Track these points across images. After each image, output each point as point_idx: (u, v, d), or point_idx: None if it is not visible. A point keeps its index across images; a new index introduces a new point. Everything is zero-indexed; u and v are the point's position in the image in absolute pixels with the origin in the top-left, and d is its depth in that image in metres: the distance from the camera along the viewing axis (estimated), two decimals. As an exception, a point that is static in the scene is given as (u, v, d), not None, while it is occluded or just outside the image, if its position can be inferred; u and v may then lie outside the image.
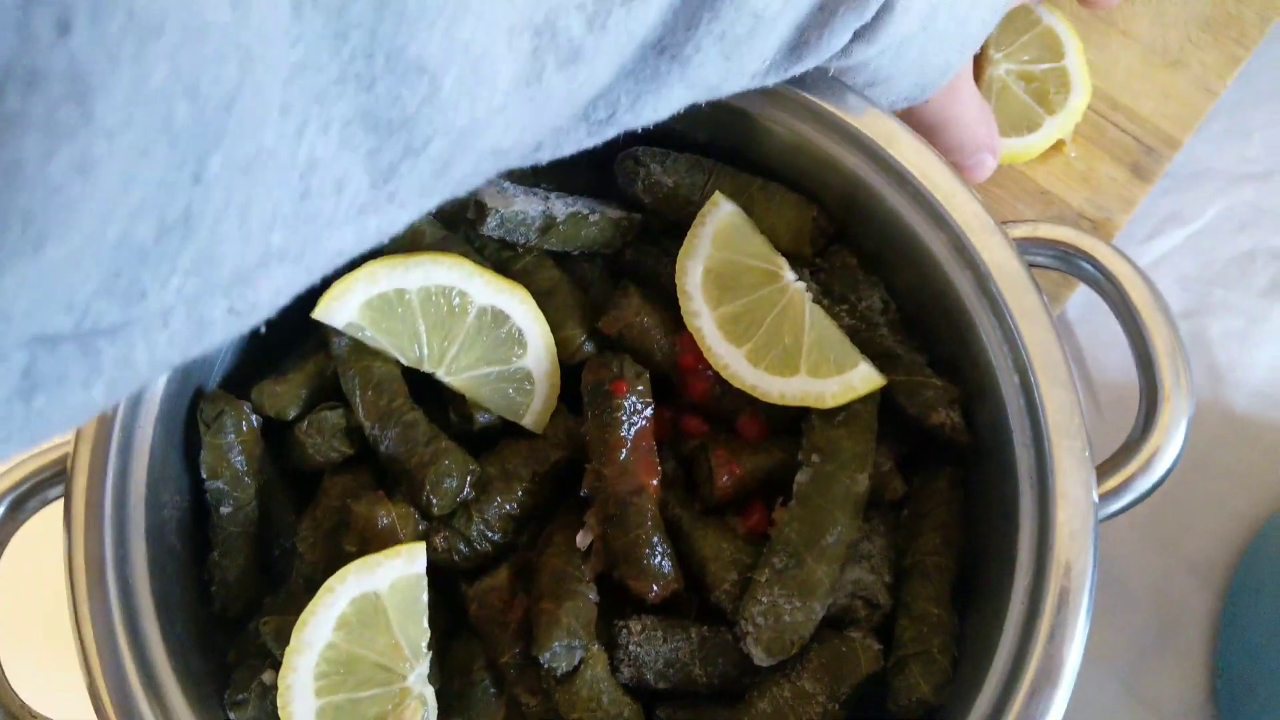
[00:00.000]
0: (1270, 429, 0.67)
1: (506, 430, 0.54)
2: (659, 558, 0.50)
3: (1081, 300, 0.69)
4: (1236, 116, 0.74)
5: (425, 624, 0.47)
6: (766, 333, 0.51)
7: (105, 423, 0.46)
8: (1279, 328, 0.69)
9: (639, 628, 0.49)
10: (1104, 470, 0.48)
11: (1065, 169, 0.69)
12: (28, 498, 0.47)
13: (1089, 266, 0.50)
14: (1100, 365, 0.69)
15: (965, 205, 0.49)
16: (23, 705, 0.45)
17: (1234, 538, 0.65)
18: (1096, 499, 0.45)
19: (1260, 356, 0.69)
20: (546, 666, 0.47)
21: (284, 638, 0.46)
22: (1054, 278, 0.67)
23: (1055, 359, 0.47)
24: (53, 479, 0.47)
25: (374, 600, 0.46)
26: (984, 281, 0.49)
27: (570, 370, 0.54)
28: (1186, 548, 0.65)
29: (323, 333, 0.53)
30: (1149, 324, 0.49)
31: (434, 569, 0.49)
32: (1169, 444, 0.48)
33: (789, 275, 0.52)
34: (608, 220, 0.55)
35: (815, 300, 0.52)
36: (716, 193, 0.53)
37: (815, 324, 0.51)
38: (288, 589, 0.51)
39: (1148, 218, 0.71)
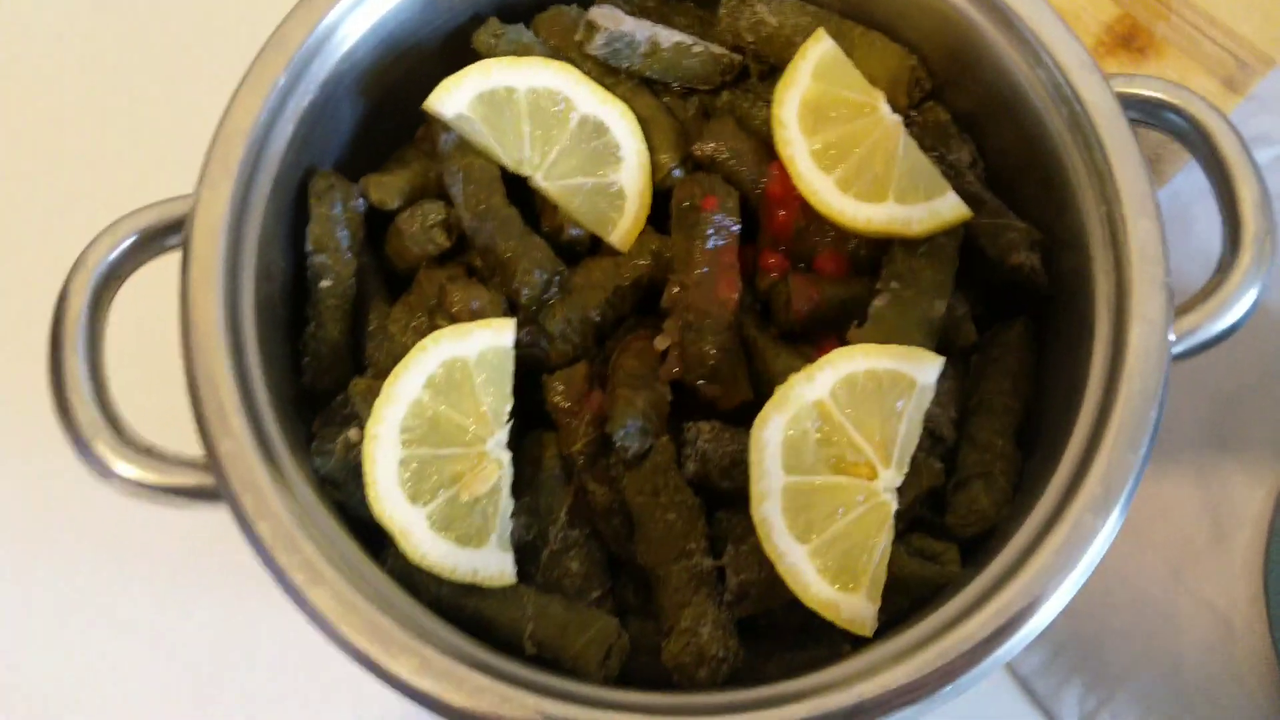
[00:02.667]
0: (1343, 347, 0.67)
1: (593, 251, 0.56)
2: (733, 367, 0.52)
3: (1164, 206, 0.70)
4: (1333, 49, 0.74)
5: (509, 392, 0.49)
6: (858, 161, 0.53)
7: (225, 176, 0.49)
8: (1360, 253, 0.69)
9: (709, 428, 0.51)
10: (1182, 310, 0.49)
11: (1159, 75, 0.69)
12: (153, 238, 0.49)
13: (1180, 120, 0.51)
14: (1179, 272, 0.70)
15: (1067, 45, 0.50)
16: (126, 425, 0.47)
17: (1295, 445, 0.65)
18: (1171, 325, 0.46)
19: (1338, 278, 0.69)
20: (618, 445, 0.49)
21: (372, 396, 0.48)
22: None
23: (1144, 190, 0.48)
24: (175, 227, 0.49)
25: (463, 365, 0.48)
26: (1078, 119, 0.50)
27: (660, 195, 0.56)
28: (1247, 453, 0.65)
29: (430, 135, 0.56)
30: (1236, 173, 0.49)
31: (517, 363, 0.51)
32: (1247, 288, 0.48)
33: (884, 108, 0.54)
34: (710, 54, 0.57)
35: (909, 134, 0.54)
36: (819, 29, 0.55)
37: (908, 155, 0.53)
38: (376, 369, 0.54)
39: (1236, 134, 0.72)
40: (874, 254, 0.54)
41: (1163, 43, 0.71)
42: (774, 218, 0.56)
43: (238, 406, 0.46)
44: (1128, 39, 0.71)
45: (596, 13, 0.56)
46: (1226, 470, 0.65)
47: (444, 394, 0.48)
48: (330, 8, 0.50)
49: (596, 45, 0.55)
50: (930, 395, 0.47)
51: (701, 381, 0.52)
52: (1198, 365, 0.66)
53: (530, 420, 0.54)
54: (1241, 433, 0.65)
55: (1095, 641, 0.61)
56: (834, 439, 0.47)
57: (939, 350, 0.53)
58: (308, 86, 0.51)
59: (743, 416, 0.52)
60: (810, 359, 0.53)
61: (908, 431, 0.47)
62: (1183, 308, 0.49)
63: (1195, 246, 0.67)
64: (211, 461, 0.45)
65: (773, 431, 0.47)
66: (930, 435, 0.52)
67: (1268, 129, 0.72)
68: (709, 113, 0.59)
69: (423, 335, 0.52)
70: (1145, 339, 0.46)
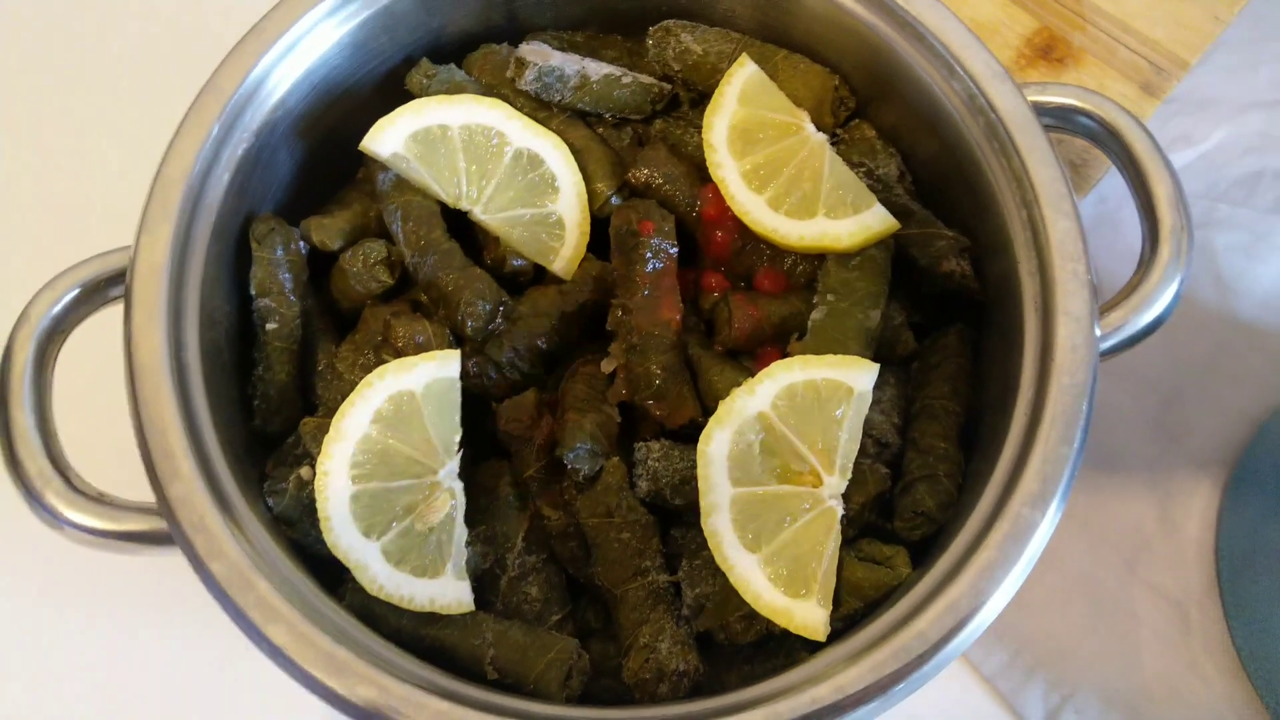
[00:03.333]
0: (1272, 336, 0.69)
1: (536, 280, 0.57)
2: (678, 385, 0.53)
3: (1091, 212, 0.72)
4: (1245, 50, 0.77)
5: (457, 422, 0.49)
6: (787, 180, 0.54)
7: (164, 225, 0.49)
8: (1284, 244, 0.72)
9: (658, 447, 0.51)
10: (1106, 309, 0.50)
11: (1077, 84, 0.72)
12: (95, 290, 0.50)
13: (1093, 124, 0.53)
14: (1110, 275, 0.72)
15: (977, 56, 0.52)
16: (76, 475, 0.47)
17: (1236, 435, 0.67)
18: (1097, 320, 0.48)
19: (1265, 269, 0.71)
20: (569, 468, 0.50)
21: (322, 434, 0.49)
22: (1065, 178, 0.69)
23: (1060, 192, 0.49)
24: (117, 278, 0.50)
25: (410, 398, 0.49)
26: (993, 127, 0.51)
27: (598, 223, 0.57)
28: (1191, 443, 0.67)
29: (368, 178, 0.57)
30: (1150, 171, 0.51)
31: (466, 395, 0.51)
32: (1168, 283, 0.50)
33: (810, 127, 0.55)
34: (639, 84, 0.59)
35: (834, 151, 0.55)
36: (743, 54, 0.57)
37: (834, 171, 0.54)
38: (325, 408, 0.54)
39: (1158, 137, 0.74)
40: (810, 269, 0.56)
41: (1080, 52, 0.73)
42: (712, 239, 0.57)
43: (186, 450, 0.46)
44: (1046, 50, 0.73)
45: (525, 49, 0.57)
46: (1174, 463, 0.66)
47: (393, 427, 0.49)
48: (260, 57, 0.51)
49: (527, 81, 0.57)
50: (868, 401, 0.48)
51: (649, 401, 0.53)
52: (1141, 362, 0.69)
53: (484, 449, 0.54)
54: (1186, 425, 0.67)
55: (1055, 638, 0.62)
56: (778, 449, 0.48)
57: (880, 359, 0.55)
58: (242, 135, 0.52)
59: (691, 434, 0.53)
60: (752, 373, 0.54)
61: (849, 438, 0.48)
62: (1108, 304, 0.51)
63: (1124, 248, 0.68)
64: (162, 505, 0.45)
65: (718, 445, 0.48)
66: (876, 442, 0.53)
67: (1188, 129, 0.75)
68: (643, 141, 0.60)
69: (368, 373, 0.52)
70: (1072, 335, 0.47)
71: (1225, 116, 0.75)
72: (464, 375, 0.52)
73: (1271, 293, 0.71)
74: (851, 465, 0.48)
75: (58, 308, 0.49)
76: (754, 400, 0.48)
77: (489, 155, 0.55)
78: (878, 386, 0.54)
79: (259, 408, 0.54)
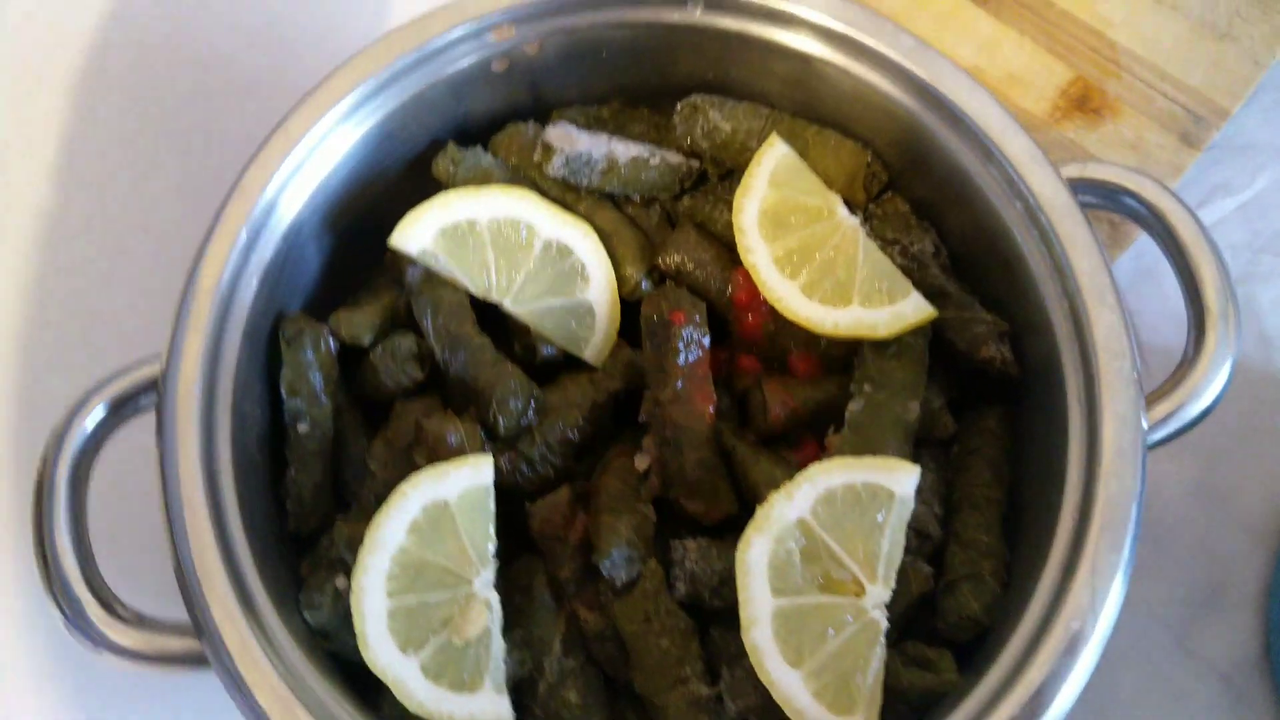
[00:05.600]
0: (1321, 392, 0.68)
1: (567, 365, 0.56)
2: (714, 480, 0.52)
3: (1131, 267, 0.70)
4: (1285, 91, 0.75)
5: (492, 531, 0.49)
6: (820, 267, 0.53)
7: (196, 335, 0.49)
8: (1330, 295, 0.70)
9: (695, 546, 0.51)
10: (1154, 399, 0.49)
11: (1115, 136, 0.70)
12: (124, 402, 0.49)
13: (1135, 203, 0.52)
14: (1151, 330, 0.70)
15: (1015, 140, 0.51)
16: (114, 597, 0.47)
17: (1284, 497, 0.65)
18: (1144, 417, 0.46)
19: (1311, 323, 0.69)
20: (606, 575, 0.49)
21: (356, 543, 0.48)
22: (1102, 238, 0.68)
23: (1104, 284, 0.48)
24: (148, 387, 0.50)
25: (443, 507, 0.49)
26: (1033, 213, 0.50)
27: (629, 307, 0.56)
28: (1237, 508, 0.65)
29: (397, 267, 0.56)
30: (1195, 255, 0.50)
31: (499, 491, 0.51)
32: (1217, 371, 0.49)
33: (842, 212, 0.54)
34: (667, 165, 0.58)
35: (868, 236, 0.54)
36: (773, 134, 0.56)
37: (868, 257, 0.53)
38: (359, 506, 0.54)
39: (1197, 187, 0.72)
40: (846, 352, 0.55)
41: (1116, 102, 0.71)
42: (743, 323, 0.56)
43: (222, 573, 0.46)
44: (1082, 101, 0.71)
45: (552, 134, 0.56)
46: (1220, 528, 0.65)
47: (427, 538, 0.48)
48: (285, 159, 0.51)
49: (555, 167, 0.56)
50: (910, 507, 0.47)
51: (684, 499, 0.52)
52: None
53: (517, 544, 0.54)
54: (1232, 488, 0.65)
55: (1102, 713, 0.61)
56: (819, 557, 0.47)
57: (919, 442, 0.54)
58: (270, 238, 0.51)
59: (728, 529, 0.53)
60: (790, 463, 0.54)
61: (891, 545, 0.47)
62: (1155, 394, 0.49)
63: (1166, 305, 0.67)
64: (199, 631, 0.45)
65: (757, 554, 0.47)
66: (917, 534, 0.52)
67: (1227, 177, 0.73)
68: (672, 218, 0.59)
69: (402, 471, 0.52)
70: (1118, 436, 0.46)
71: (1266, 162, 0.73)
72: (497, 471, 0.51)
73: (1318, 347, 0.69)
74: (895, 574, 0.47)
75: (89, 425, 0.48)
76: (792, 506, 0.47)
77: (518, 247, 0.54)
78: (917, 473, 0.53)
79: (293, 509, 0.53)
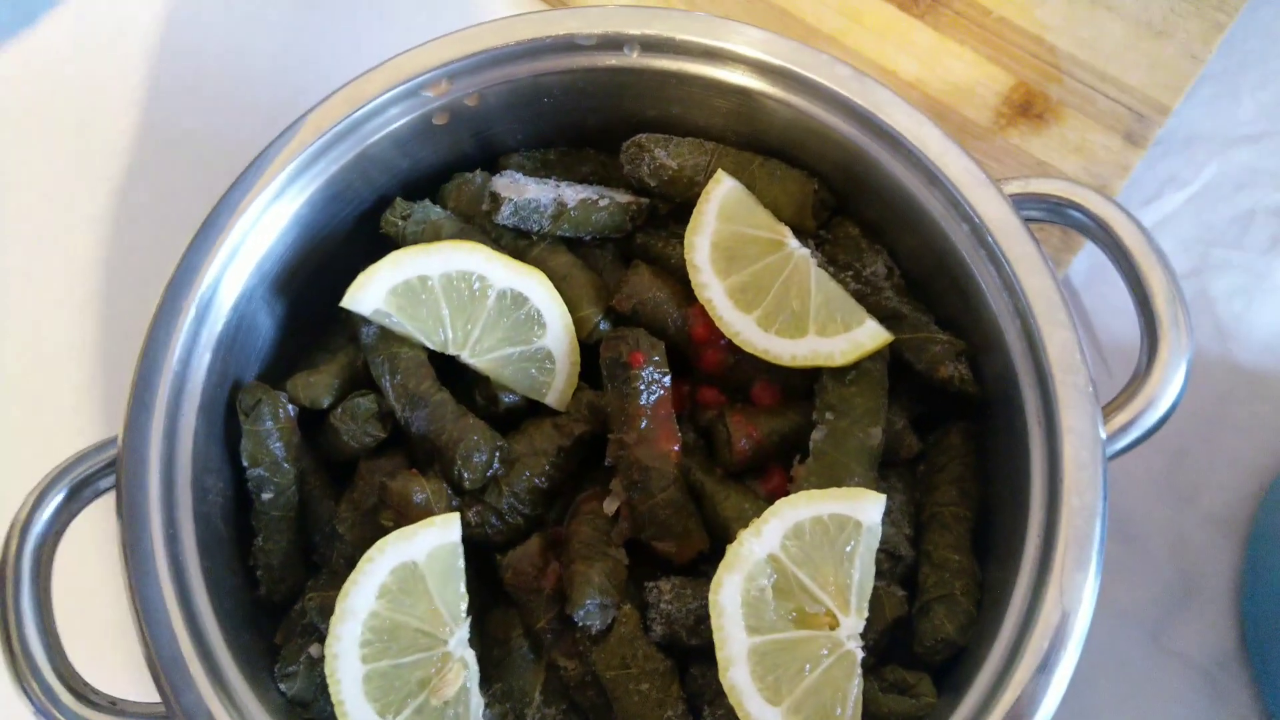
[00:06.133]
0: (1275, 381, 0.68)
1: (531, 411, 0.56)
2: (683, 519, 0.52)
3: (1085, 266, 0.71)
4: (1225, 82, 0.76)
5: (463, 589, 0.49)
6: (774, 298, 0.53)
7: (149, 413, 0.48)
8: (1281, 283, 0.71)
9: (669, 587, 0.51)
10: (1111, 410, 0.50)
11: (1060, 140, 0.71)
12: (82, 487, 0.49)
13: (1081, 216, 0.52)
14: (1108, 329, 0.71)
15: (957, 162, 0.51)
16: (85, 684, 0.47)
17: (1249, 489, 0.66)
18: (1103, 431, 0.47)
19: (1264, 313, 0.70)
20: (581, 625, 0.49)
21: (328, 611, 0.48)
22: (1055, 243, 0.68)
23: (1054, 301, 0.48)
24: (105, 470, 0.49)
25: (412, 569, 0.48)
26: (980, 233, 0.51)
27: (589, 349, 0.56)
28: (1204, 502, 0.66)
29: (351, 324, 0.56)
30: (1142, 265, 0.50)
31: (469, 544, 0.51)
32: (1171, 379, 0.49)
33: (792, 243, 0.54)
34: (617, 205, 0.58)
35: (820, 266, 0.54)
36: (719, 170, 0.56)
37: (821, 287, 0.53)
38: (329, 570, 0.53)
39: (1145, 182, 0.73)
40: (807, 379, 0.55)
41: (1059, 105, 0.72)
42: (703, 357, 0.56)
43: (193, 654, 0.45)
44: (1025, 107, 0.72)
45: (499, 183, 0.56)
46: (1189, 524, 0.65)
47: (398, 601, 0.48)
48: (231, 228, 0.51)
49: (504, 216, 0.56)
50: (878, 535, 0.48)
51: (655, 540, 0.52)
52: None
53: (491, 595, 0.54)
54: (1197, 483, 0.66)
55: (1082, 716, 0.61)
56: (791, 591, 0.47)
57: (885, 463, 0.54)
58: (220, 311, 0.51)
59: (701, 565, 0.53)
60: (758, 495, 0.54)
61: (862, 574, 0.47)
62: (1112, 405, 0.50)
63: (1121, 302, 0.68)
64: (172, 717, 0.44)
65: (730, 593, 0.47)
66: (889, 555, 0.52)
67: (1175, 170, 0.74)
68: (626, 256, 0.59)
69: (370, 532, 0.52)
70: (1078, 450, 0.46)
71: (1212, 153, 0.74)
72: (465, 526, 0.51)
73: (1271, 336, 0.70)
74: (867, 603, 0.47)
75: (48, 513, 0.48)
76: (762, 542, 0.47)
77: (472, 300, 0.54)
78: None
79: (263, 578, 0.53)
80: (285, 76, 0.75)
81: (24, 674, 0.46)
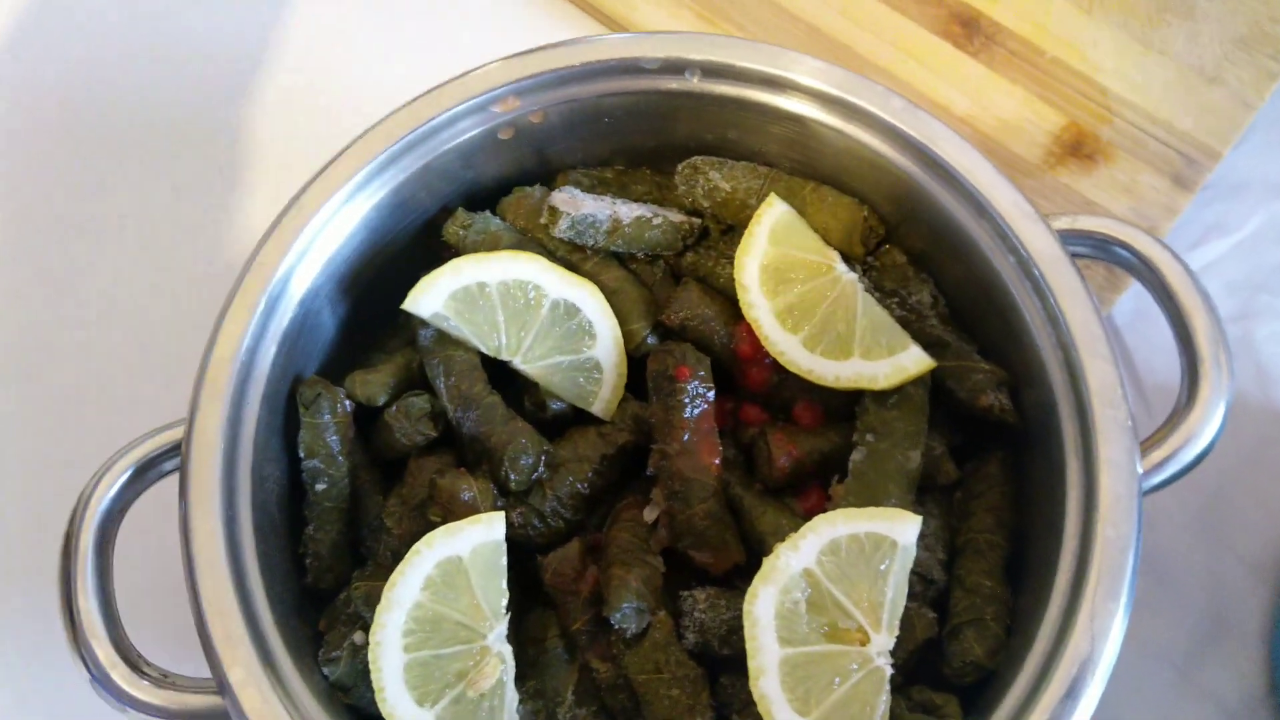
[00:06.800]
0: (1320, 427, 0.68)
1: (577, 419, 0.58)
2: (721, 531, 0.53)
3: (1130, 306, 0.71)
4: (1276, 130, 0.76)
5: (504, 586, 0.50)
6: (821, 321, 0.55)
7: (216, 401, 0.51)
8: (1326, 331, 0.71)
9: (704, 596, 0.52)
10: (1149, 445, 0.50)
11: (1109, 180, 0.72)
12: (148, 468, 0.51)
13: (1126, 254, 0.53)
14: (1150, 368, 0.71)
15: (1006, 196, 0.52)
16: (139, 655, 0.49)
17: (1287, 532, 0.66)
18: (1140, 464, 0.48)
19: (1308, 359, 0.70)
20: (617, 627, 0.50)
21: (373, 600, 0.50)
22: (1100, 281, 0.69)
23: (1097, 335, 0.49)
24: (170, 452, 0.51)
25: (457, 564, 0.50)
26: (1026, 265, 0.52)
27: (636, 361, 0.58)
28: (1239, 544, 0.66)
29: (410, 327, 0.58)
30: (1186, 304, 0.51)
31: (512, 544, 0.52)
32: (1210, 417, 0.50)
33: (840, 267, 0.56)
34: (669, 224, 0.59)
35: (866, 291, 0.56)
36: (771, 194, 0.57)
37: (866, 311, 0.55)
38: (375, 562, 0.55)
39: (1192, 226, 0.74)
40: (848, 402, 0.56)
41: (1109, 146, 0.73)
42: (748, 375, 0.58)
43: (244, 634, 0.47)
44: (1075, 147, 0.73)
45: (558, 198, 0.58)
46: (1223, 564, 0.66)
47: (442, 594, 0.49)
48: (302, 230, 0.53)
49: (561, 229, 0.58)
50: (912, 555, 0.49)
51: (692, 549, 0.53)
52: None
53: (530, 597, 0.55)
54: (1234, 524, 0.66)
55: (1110, 753, 0.62)
56: (825, 606, 0.48)
57: (922, 489, 0.55)
58: (288, 306, 0.53)
59: (736, 577, 0.54)
60: (795, 512, 0.55)
61: (895, 594, 0.48)
62: (1150, 440, 0.50)
63: (1165, 341, 0.68)
64: (222, 690, 0.46)
65: (764, 605, 0.48)
66: (922, 579, 0.53)
67: (1222, 216, 0.74)
68: (676, 273, 0.61)
69: (417, 527, 0.53)
70: (1114, 484, 0.47)
71: (1260, 201, 0.75)
72: (509, 526, 0.53)
73: (1316, 383, 0.70)
74: (899, 622, 0.48)
75: (115, 489, 0.50)
76: (798, 557, 0.49)
77: (527, 308, 0.56)
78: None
79: (311, 566, 0.55)
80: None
81: (80, 641, 0.48)
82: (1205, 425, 0.50)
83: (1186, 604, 0.65)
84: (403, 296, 0.55)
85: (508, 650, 0.50)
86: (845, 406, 0.56)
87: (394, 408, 0.56)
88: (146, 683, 0.48)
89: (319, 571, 0.55)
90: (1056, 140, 0.73)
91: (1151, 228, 0.71)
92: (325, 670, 0.51)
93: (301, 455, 0.55)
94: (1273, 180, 0.75)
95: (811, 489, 0.56)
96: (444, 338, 0.56)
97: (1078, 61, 0.75)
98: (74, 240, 0.75)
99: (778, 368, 0.56)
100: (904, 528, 0.49)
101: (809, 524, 0.49)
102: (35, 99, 0.79)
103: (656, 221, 0.59)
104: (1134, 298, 0.72)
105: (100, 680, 0.48)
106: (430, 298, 0.55)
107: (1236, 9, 0.75)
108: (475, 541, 0.50)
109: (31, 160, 0.77)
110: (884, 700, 0.47)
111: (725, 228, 0.61)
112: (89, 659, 0.48)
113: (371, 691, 0.49)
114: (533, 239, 0.60)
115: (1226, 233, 0.74)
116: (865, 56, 0.76)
